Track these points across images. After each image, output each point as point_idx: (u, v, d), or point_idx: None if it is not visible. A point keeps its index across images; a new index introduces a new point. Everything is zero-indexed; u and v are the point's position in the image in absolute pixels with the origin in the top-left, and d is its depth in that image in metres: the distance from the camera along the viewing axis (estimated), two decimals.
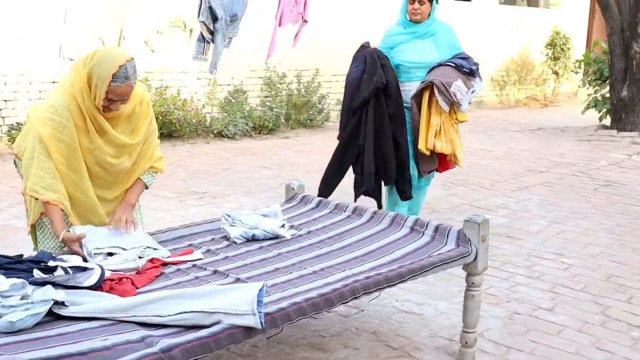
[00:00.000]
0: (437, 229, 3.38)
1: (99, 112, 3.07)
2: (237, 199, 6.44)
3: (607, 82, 10.80)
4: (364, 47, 4.94)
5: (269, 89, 10.85)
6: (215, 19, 6.32)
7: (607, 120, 10.91)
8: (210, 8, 6.25)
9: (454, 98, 4.75)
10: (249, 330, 2.36)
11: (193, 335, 2.27)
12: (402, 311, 4.00)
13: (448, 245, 3.26)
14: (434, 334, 3.71)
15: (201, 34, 6.65)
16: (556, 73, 15.31)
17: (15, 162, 3.26)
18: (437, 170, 5.18)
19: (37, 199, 3.05)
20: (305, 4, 7.41)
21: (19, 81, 8.55)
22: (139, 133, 3.29)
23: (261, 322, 2.34)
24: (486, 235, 3.26)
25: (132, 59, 3.05)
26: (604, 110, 10.94)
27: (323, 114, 11.06)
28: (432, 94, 4.81)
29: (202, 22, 6.38)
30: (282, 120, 10.49)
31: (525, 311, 4.04)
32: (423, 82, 4.82)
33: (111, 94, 2.98)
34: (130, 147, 3.27)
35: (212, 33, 6.49)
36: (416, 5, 4.90)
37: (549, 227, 5.76)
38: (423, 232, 3.41)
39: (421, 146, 4.83)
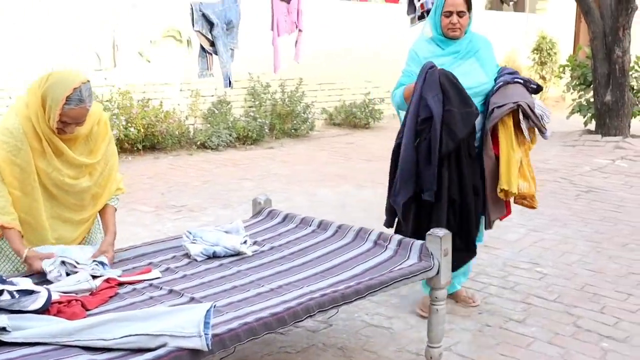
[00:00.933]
0: (400, 242, 3.35)
1: (54, 134, 3.03)
2: (215, 211, 6.40)
3: (591, 86, 10.79)
4: (432, 67, 3.71)
5: (252, 99, 10.83)
6: (211, 26, 6.26)
7: (592, 125, 10.90)
8: (204, 15, 6.21)
9: (541, 122, 3.82)
10: (195, 353, 2.32)
11: (137, 359, 2.24)
12: (372, 325, 3.96)
13: (410, 260, 3.23)
14: (401, 349, 3.67)
15: (201, 48, 6.59)
16: (543, 78, 15.33)
17: None
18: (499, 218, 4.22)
19: None
20: (298, 13, 7.39)
21: None
22: (98, 152, 3.26)
23: (208, 344, 2.30)
24: (448, 249, 3.23)
25: (88, 81, 3.01)
26: (589, 115, 10.94)
27: (308, 123, 11.02)
28: (514, 122, 3.82)
29: (198, 31, 6.34)
30: (266, 131, 10.45)
31: (496, 323, 4.00)
32: (499, 106, 3.76)
33: (65, 117, 2.95)
34: (90, 166, 3.24)
35: (212, 44, 6.44)
36: (454, 18, 3.81)
37: (527, 235, 5.73)
38: (386, 246, 3.37)
39: (508, 186, 3.81)
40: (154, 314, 2.43)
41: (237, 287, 2.94)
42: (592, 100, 10.85)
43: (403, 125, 3.76)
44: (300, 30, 7.23)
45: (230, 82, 6.33)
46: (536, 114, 3.81)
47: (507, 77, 3.90)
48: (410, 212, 3.80)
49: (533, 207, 4.08)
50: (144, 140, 9.17)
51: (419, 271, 3.14)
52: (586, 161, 9.09)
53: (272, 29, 6.95)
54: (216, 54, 6.24)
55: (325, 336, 3.81)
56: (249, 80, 10.78)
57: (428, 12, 7.80)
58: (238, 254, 3.34)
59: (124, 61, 9.35)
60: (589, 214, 6.47)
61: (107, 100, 8.97)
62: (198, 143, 9.75)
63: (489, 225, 4.07)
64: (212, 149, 9.67)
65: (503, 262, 5.04)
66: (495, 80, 3.93)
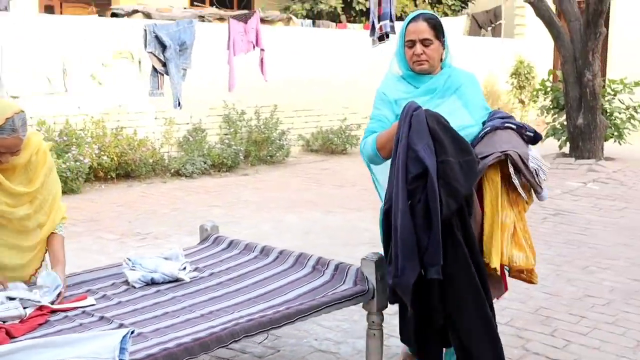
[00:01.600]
0: (337, 267, 3.37)
1: None
2: (180, 239, 6.40)
3: (564, 110, 10.89)
4: (417, 109, 3.03)
5: (228, 127, 10.87)
6: (164, 47, 6.38)
7: (567, 148, 10.98)
8: (157, 37, 6.32)
9: (535, 179, 3.13)
10: None
11: None
12: (319, 350, 3.96)
13: (345, 284, 3.24)
14: None
15: (153, 68, 6.70)
16: (522, 102, 15.47)
17: None
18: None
19: None
20: (257, 32, 7.49)
21: None
22: (37, 181, 3.28)
23: None
24: (384, 273, 3.24)
25: (22, 112, 3.06)
26: (563, 138, 11.02)
27: (283, 149, 11.06)
28: (502, 176, 3.11)
29: (151, 52, 6.44)
30: (241, 158, 10.48)
31: None
32: (484, 157, 3.08)
33: None
34: (29, 195, 3.26)
35: (164, 65, 6.55)
36: (418, 48, 3.22)
37: None
38: (324, 271, 3.39)
39: (495, 261, 3.08)
40: (73, 340, 2.44)
41: (169, 313, 2.95)
42: (565, 123, 10.94)
43: (390, 184, 3.05)
44: (262, 50, 7.34)
45: (179, 103, 6.40)
46: (529, 168, 3.08)
47: (496, 121, 3.23)
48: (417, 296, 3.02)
49: (532, 283, 3.34)
50: (118, 169, 9.19)
51: (353, 295, 3.16)
52: (558, 184, 9.13)
53: (228, 48, 7.05)
54: (167, 74, 6.33)
55: None
56: (224, 108, 10.83)
57: (387, 35, 7.85)
58: (176, 280, 3.35)
59: (76, 85, 9.30)
60: (554, 236, 6.49)
61: (80, 129, 9.00)
62: (172, 171, 9.78)
63: None
64: (186, 176, 9.69)
65: None
66: (484, 124, 3.29)
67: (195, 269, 3.51)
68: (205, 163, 9.91)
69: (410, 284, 2.91)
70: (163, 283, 3.33)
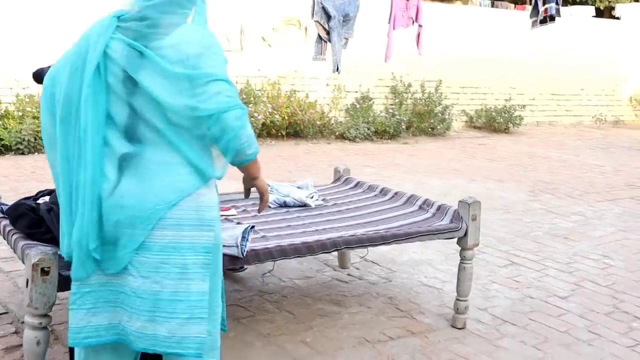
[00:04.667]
0: (439, 207, 3.90)
1: None
2: None
3: None
4: None
5: (393, 97, 11.49)
6: (328, 17, 7.13)
7: None
8: (323, 8, 7.08)
9: None
10: (234, 258, 3.05)
11: None
12: (425, 285, 4.51)
13: (442, 221, 3.77)
14: (442, 304, 4.20)
15: (318, 36, 7.48)
16: None
17: None
18: None
19: None
20: (417, 9, 8.03)
21: None
22: None
23: (242, 252, 3.02)
24: (477, 215, 3.73)
25: None
26: None
27: (445, 123, 11.50)
28: None
29: (317, 21, 7.22)
30: (404, 127, 11.05)
31: (538, 296, 4.40)
32: None
33: None
34: None
35: (328, 33, 7.30)
36: None
37: (613, 233, 5.97)
38: (428, 209, 3.93)
39: None
40: None
41: (291, 226, 3.64)
42: None
43: None
44: (420, 26, 7.85)
45: (338, 68, 7.07)
46: None
47: None
48: None
49: None
50: (288, 127, 10.12)
51: (446, 230, 3.68)
52: None
53: (389, 22, 7.64)
54: (329, 41, 7.03)
55: (381, 288, 4.41)
56: (392, 79, 11.44)
57: (551, 17, 8.07)
58: (304, 205, 4.04)
59: (250, 46, 10.28)
60: None
61: (258, 90, 10.00)
62: (337, 133, 10.56)
63: None
64: (349, 140, 10.45)
65: (574, 252, 5.36)
66: None
67: (323, 200, 4.19)
68: (368, 129, 10.60)
69: None
70: (293, 206, 4.03)
